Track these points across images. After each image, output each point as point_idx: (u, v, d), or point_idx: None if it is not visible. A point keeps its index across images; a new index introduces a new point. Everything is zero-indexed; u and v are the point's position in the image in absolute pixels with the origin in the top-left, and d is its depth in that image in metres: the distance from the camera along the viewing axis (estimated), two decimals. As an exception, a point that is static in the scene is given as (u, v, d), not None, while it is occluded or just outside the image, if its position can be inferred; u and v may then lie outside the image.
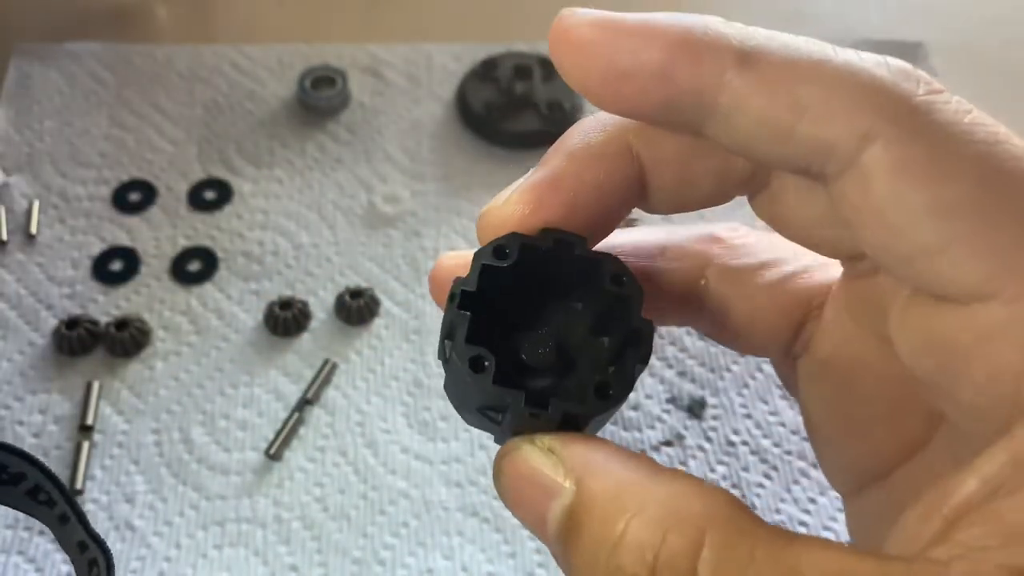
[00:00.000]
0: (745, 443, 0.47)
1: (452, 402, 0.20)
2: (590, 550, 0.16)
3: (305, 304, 0.50)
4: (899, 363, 0.18)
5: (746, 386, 0.49)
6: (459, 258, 0.20)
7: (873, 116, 0.16)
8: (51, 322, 0.50)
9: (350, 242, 0.54)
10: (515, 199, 0.19)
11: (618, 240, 0.21)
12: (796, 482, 0.46)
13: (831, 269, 0.21)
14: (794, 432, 0.47)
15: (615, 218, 0.20)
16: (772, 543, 0.15)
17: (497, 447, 0.19)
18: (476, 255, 0.19)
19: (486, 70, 0.61)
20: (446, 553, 0.43)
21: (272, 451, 0.45)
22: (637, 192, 0.19)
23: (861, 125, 0.16)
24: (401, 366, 0.49)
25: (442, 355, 0.19)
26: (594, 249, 0.19)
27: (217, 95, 0.61)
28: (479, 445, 0.46)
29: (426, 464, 0.46)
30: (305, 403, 0.47)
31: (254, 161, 0.58)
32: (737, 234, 0.22)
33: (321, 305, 0.51)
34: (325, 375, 0.48)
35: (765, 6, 0.70)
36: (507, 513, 0.44)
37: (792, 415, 0.48)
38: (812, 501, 0.45)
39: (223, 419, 0.47)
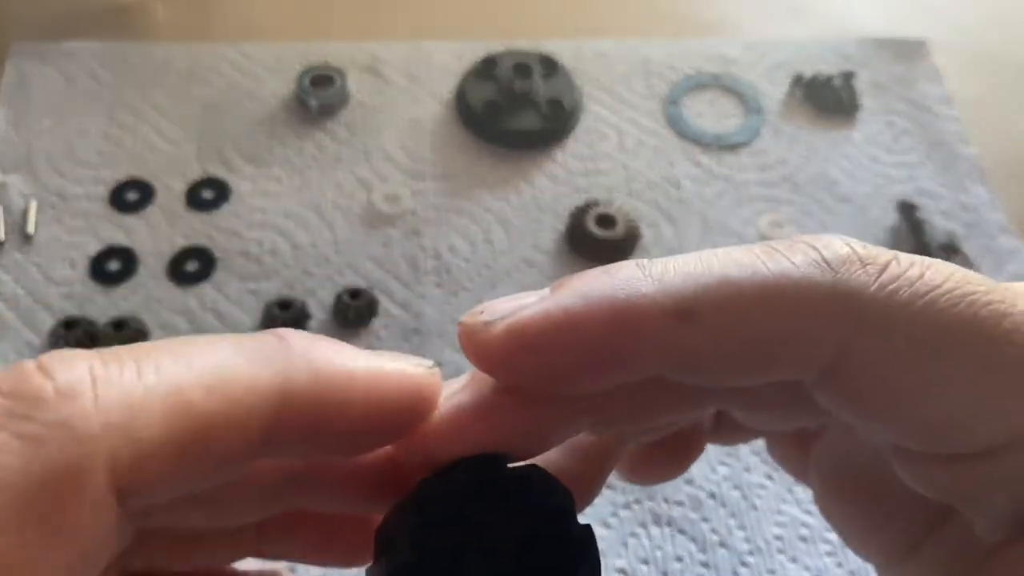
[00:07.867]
0: (746, 443, 0.47)
1: None
2: None
3: (304, 304, 0.50)
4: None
5: (747, 386, 0.49)
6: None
7: (830, 326, 0.16)
8: (48, 322, 0.49)
9: (349, 242, 0.54)
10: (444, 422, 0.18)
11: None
12: (797, 483, 0.45)
13: None
14: (796, 432, 0.47)
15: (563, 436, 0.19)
16: None
17: None
18: (401, 511, 0.18)
19: (486, 68, 0.61)
20: (445, 555, 0.43)
21: (270, 452, 0.45)
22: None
23: (821, 340, 0.16)
24: (400, 366, 0.49)
25: None
26: (513, 465, 0.18)
27: (215, 94, 0.61)
28: (479, 446, 0.46)
29: (425, 465, 0.45)
30: (304, 404, 0.47)
31: (253, 160, 0.57)
32: None
33: (320, 305, 0.51)
34: (324, 375, 0.48)
35: (767, 3, 0.69)
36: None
37: (794, 415, 0.48)
38: (814, 502, 0.45)
39: (221, 420, 0.47)
